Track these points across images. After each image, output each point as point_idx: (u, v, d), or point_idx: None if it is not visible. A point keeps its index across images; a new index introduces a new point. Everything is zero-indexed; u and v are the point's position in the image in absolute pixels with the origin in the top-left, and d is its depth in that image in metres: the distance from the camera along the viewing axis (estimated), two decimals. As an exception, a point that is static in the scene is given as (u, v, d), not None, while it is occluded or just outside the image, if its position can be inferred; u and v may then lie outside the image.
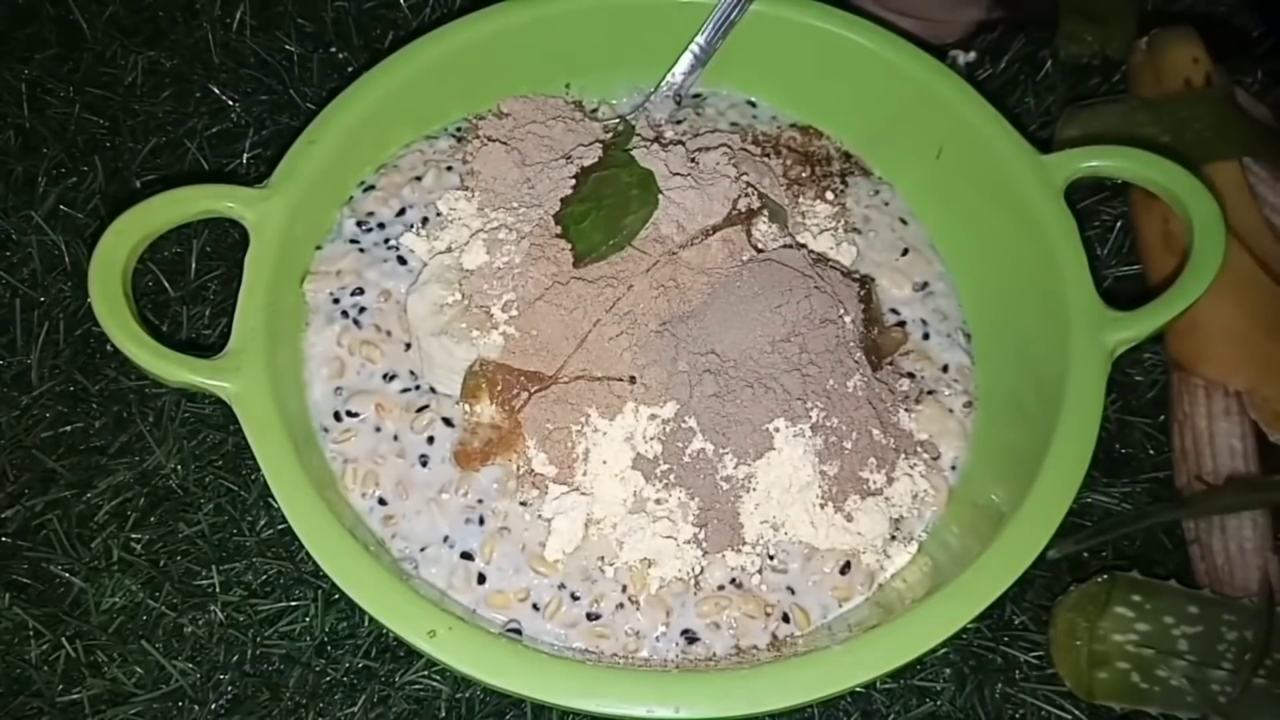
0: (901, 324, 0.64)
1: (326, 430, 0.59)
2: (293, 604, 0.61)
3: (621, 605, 0.55)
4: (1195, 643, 0.58)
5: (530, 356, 0.58)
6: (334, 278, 0.63)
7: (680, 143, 0.65)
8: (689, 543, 0.55)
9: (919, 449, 0.59)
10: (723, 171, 0.62)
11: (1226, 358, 0.64)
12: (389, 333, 0.62)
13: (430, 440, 0.59)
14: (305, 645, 0.60)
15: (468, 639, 0.49)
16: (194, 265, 0.70)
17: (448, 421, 0.59)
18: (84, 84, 0.77)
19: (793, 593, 0.56)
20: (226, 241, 0.71)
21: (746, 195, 0.61)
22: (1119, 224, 0.73)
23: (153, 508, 0.63)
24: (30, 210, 0.71)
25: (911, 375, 0.62)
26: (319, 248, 0.64)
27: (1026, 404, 0.59)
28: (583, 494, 0.56)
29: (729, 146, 0.65)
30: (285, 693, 0.59)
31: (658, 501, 0.56)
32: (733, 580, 0.56)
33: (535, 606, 0.55)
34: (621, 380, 0.57)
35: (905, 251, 0.67)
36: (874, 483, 0.56)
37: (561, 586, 0.56)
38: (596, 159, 0.63)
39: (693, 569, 0.56)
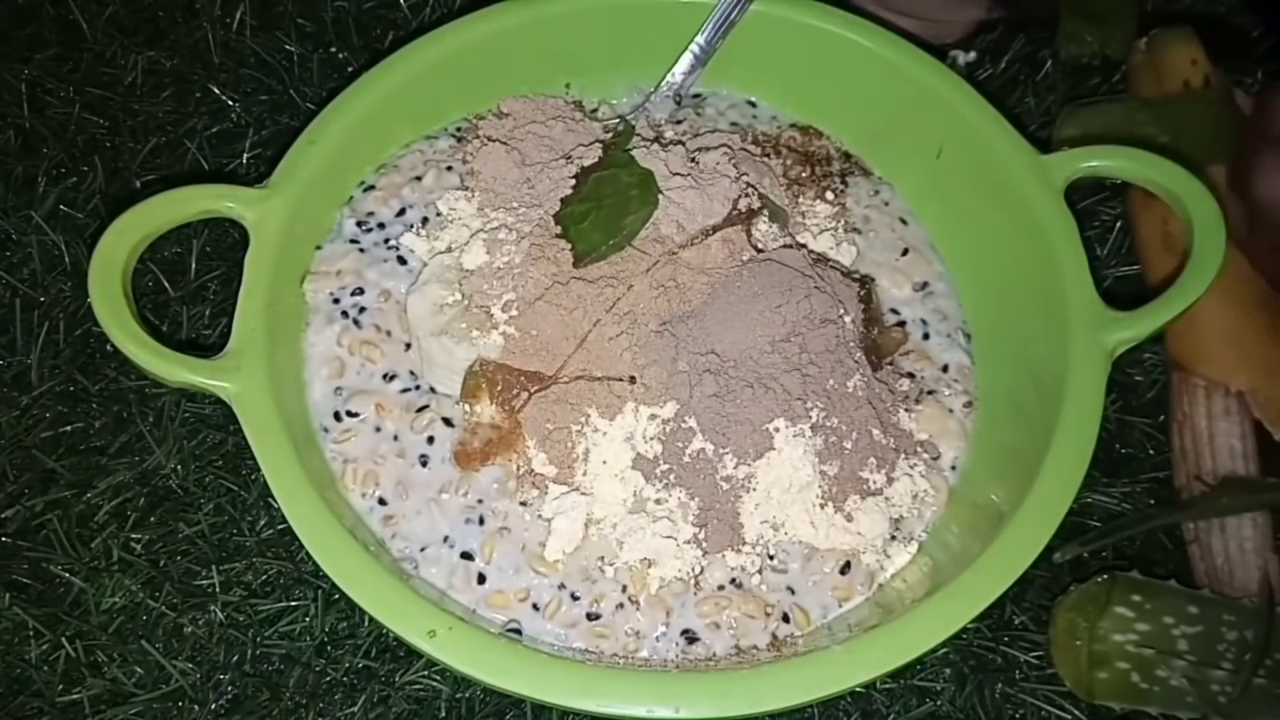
0: (901, 324, 0.64)
1: (326, 430, 0.59)
2: (293, 604, 0.61)
3: (621, 605, 0.55)
4: (1195, 643, 0.58)
5: (530, 356, 0.58)
6: (334, 278, 0.63)
7: (680, 143, 0.65)
8: (689, 543, 0.55)
9: (919, 449, 0.59)
10: (723, 171, 0.62)
11: (1227, 357, 0.64)
12: (389, 333, 0.62)
13: (430, 440, 0.59)
14: (305, 645, 0.60)
15: (468, 639, 0.49)
16: (194, 265, 0.70)
17: (448, 421, 0.59)
18: (84, 84, 0.77)
19: (793, 593, 0.56)
20: (226, 241, 0.71)
21: (746, 195, 0.61)
22: (1119, 224, 0.73)
23: (153, 508, 0.63)
24: (30, 210, 0.71)
25: (911, 375, 0.62)
26: (319, 248, 0.64)
27: (1026, 404, 0.59)
28: (583, 494, 0.56)
29: (729, 146, 0.65)
30: (285, 693, 0.59)
31: (658, 501, 0.56)
32: (733, 580, 0.56)
33: (535, 606, 0.55)
34: (621, 380, 0.57)
35: (905, 251, 0.67)
36: (874, 483, 0.56)
37: (561, 586, 0.56)
38: (596, 159, 0.63)
39: (693, 569, 0.56)
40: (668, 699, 0.48)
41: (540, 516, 0.57)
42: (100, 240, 0.56)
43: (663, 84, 0.70)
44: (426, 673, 0.59)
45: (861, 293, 0.61)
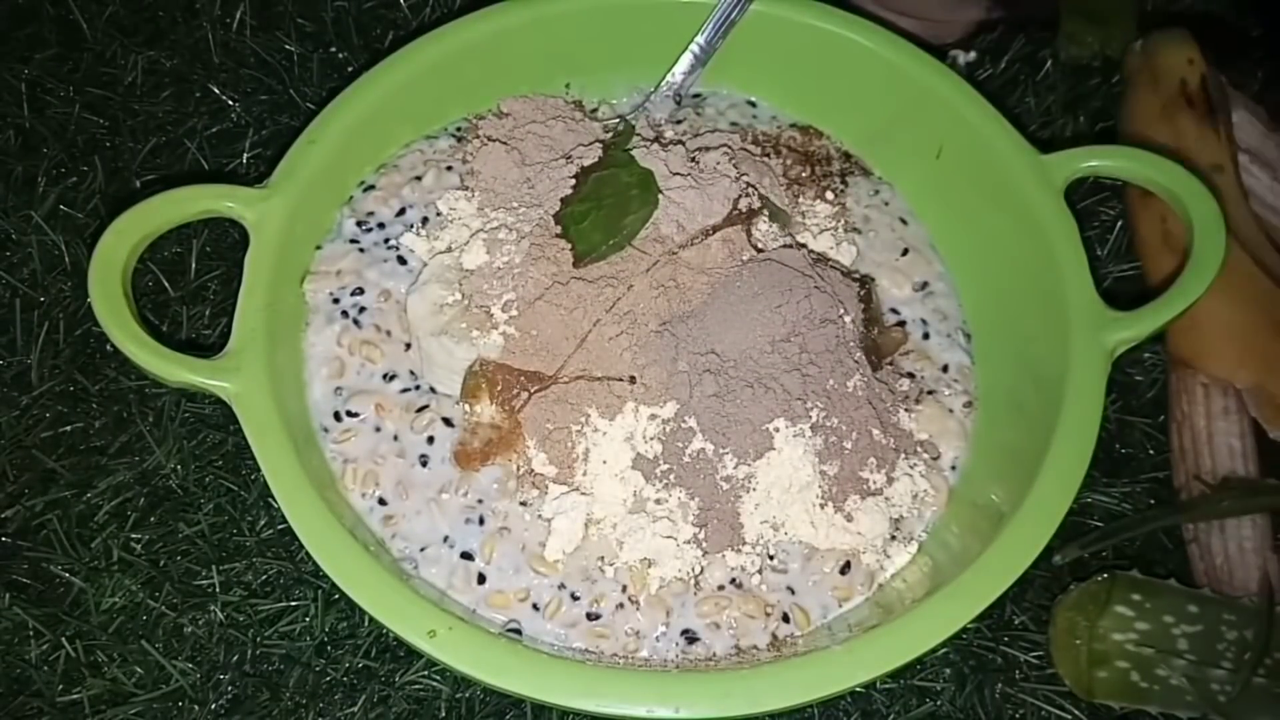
0: (901, 324, 0.64)
1: (326, 430, 0.59)
2: (293, 604, 0.61)
3: (621, 605, 0.55)
4: (1195, 642, 0.58)
5: (530, 356, 0.58)
6: (334, 278, 0.63)
7: (680, 143, 0.65)
8: (689, 543, 0.55)
9: (919, 449, 0.59)
10: (723, 171, 0.62)
11: (1229, 353, 0.64)
12: (389, 333, 0.62)
13: (430, 440, 0.59)
14: (305, 645, 0.60)
15: (468, 639, 0.49)
16: (194, 265, 0.70)
17: (448, 421, 0.59)
18: (84, 84, 0.77)
19: (793, 593, 0.56)
20: (226, 241, 0.71)
21: (746, 195, 0.61)
22: (1119, 224, 0.73)
23: (153, 508, 0.63)
24: (30, 210, 0.71)
25: (911, 375, 0.62)
26: (319, 248, 0.64)
27: (1026, 404, 0.59)
28: (583, 494, 0.56)
29: (729, 146, 0.65)
30: (285, 693, 0.59)
31: (658, 501, 0.56)
32: (733, 580, 0.56)
33: (535, 606, 0.55)
34: (621, 380, 0.57)
35: (905, 251, 0.67)
36: (874, 483, 0.56)
37: (561, 586, 0.56)
38: (596, 159, 0.63)
39: (693, 569, 0.56)
40: (668, 699, 0.48)
41: (540, 516, 0.57)
42: (100, 240, 0.56)
43: (663, 84, 0.70)
44: (426, 673, 0.59)
45: (861, 293, 0.61)
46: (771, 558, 0.57)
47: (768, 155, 0.67)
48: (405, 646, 0.56)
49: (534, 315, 0.58)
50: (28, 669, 0.59)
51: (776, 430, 0.55)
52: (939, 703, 0.59)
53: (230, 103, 0.77)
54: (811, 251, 0.62)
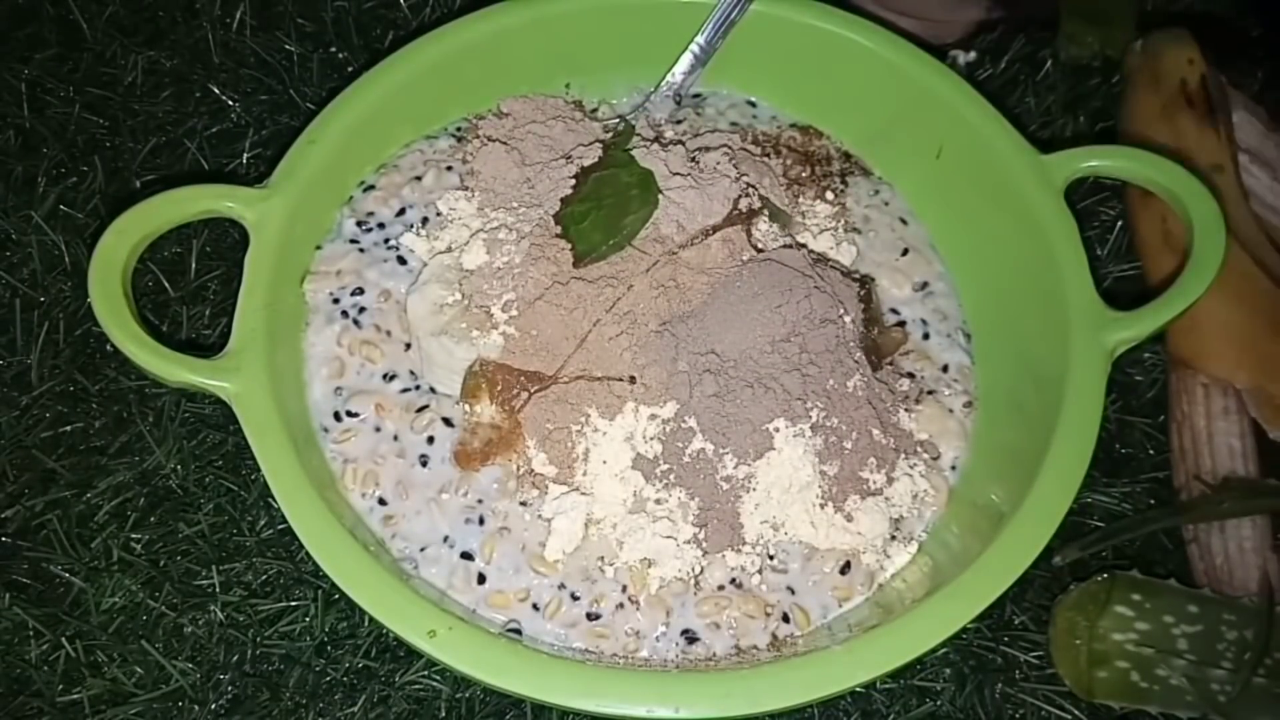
0: (901, 324, 0.64)
1: (326, 430, 0.59)
2: (293, 604, 0.61)
3: (621, 605, 0.55)
4: (1195, 642, 0.58)
5: (530, 356, 0.58)
6: (334, 278, 0.63)
7: (680, 143, 0.65)
8: (689, 543, 0.55)
9: (919, 449, 0.59)
10: (723, 171, 0.62)
11: (1229, 355, 0.64)
12: (389, 333, 0.62)
13: (430, 440, 0.59)
14: (305, 645, 0.60)
15: (468, 639, 0.49)
16: (194, 265, 0.70)
17: (448, 421, 0.59)
18: (84, 84, 0.77)
19: (793, 593, 0.56)
20: (226, 241, 0.71)
21: (747, 195, 0.61)
22: (1119, 224, 0.73)
23: (153, 508, 0.63)
24: (30, 210, 0.71)
25: (911, 375, 0.62)
26: (319, 248, 0.64)
27: (1026, 404, 0.59)
28: (583, 494, 0.56)
29: (729, 146, 0.65)
30: (285, 693, 0.59)
31: (658, 501, 0.56)
32: (733, 580, 0.56)
33: (535, 606, 0.55)
34: (621, 380, 0.57)
35: (905, 251, 0.67)
36: (874, 483, 0.56)
37: (561, 586, 0.56)
38: (596, 159, 0.63)
39: (693, 569, 0.56)
40: (668, 699, 0.48)
41: (540, 516, 0.57)
42: (100, 240, 0.56)
43: (663, 84, 0.70)
44: (426, 673, 0.59)
45: (861, 293, 0.61)
46: (771, 558, 0.57)
47: (768, 155, 0.67)
48: (405, 646, 0.56)
49: (534, 315, 0.58)
50: (28, 669, 0.59)
51: (776, 430, 0.55)
52: (939, 703, 0.59)
53: (230, 103, 0.77)
54: (811, 251, 0.62)
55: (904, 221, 0.68)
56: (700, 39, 0.69)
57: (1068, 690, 0.59)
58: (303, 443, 0.55)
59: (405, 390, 0.60)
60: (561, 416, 0.56)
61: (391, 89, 0.65)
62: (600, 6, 0.68)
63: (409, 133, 0.68)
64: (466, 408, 0.58)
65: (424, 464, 0.58)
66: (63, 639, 0.59)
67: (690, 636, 0.55)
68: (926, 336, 0.64)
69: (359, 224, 0.65)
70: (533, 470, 0.57)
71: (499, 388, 0.57)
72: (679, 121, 0.70)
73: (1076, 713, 0.59)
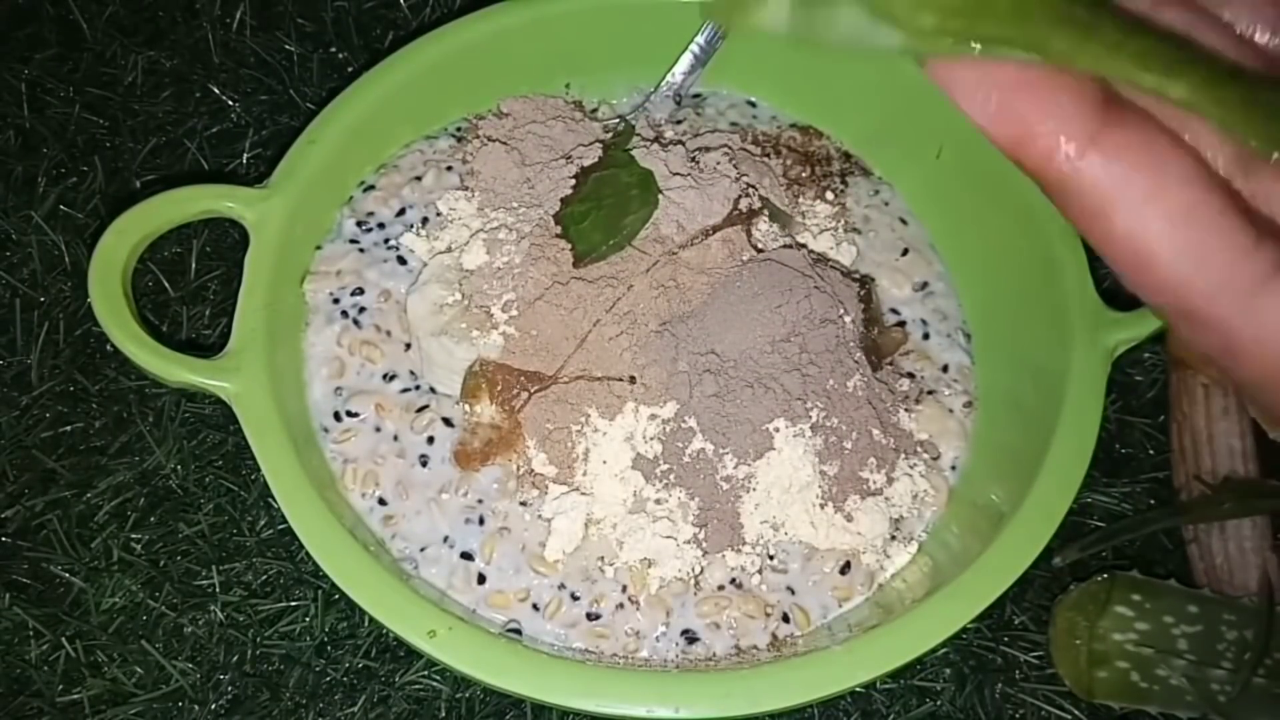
0: (901, 324, 0.64)
1: (326, 430, 0.59)
2: (293, 604, 0.61)
3: (621, 605, 0.55)
4: (1195, 642, 0.58)
5: (530, 356, 0.58)
6: (334, 278, 0.63)
7: (680, 143, 0.65)
8: (689, 543, 0.55)
9: (919, 449, 0.59)
10: (723, 172, 0.62)
11: (1228, 356, 0.64)
12: (389, 333, 0.62)
13: (430, 440, 0.59)
14: (305, 645, 0.60)
15: (468, 639, 0.49)
16: (194, 265, 0.70)
17: (448, 421, 0.59)
18: (84, 84, 0.77)
19: (793, 593, 0.56)
20: (226, 241, 0.71)
21: (747, 195, 0.61)
22: (1119, 224, 0.73)
23: (153, 508, 0.63)
24: (30, 210, 0.71)
25: (911, 375, 0.62)
26: (319, 248, 0.64)
27: (1026, 404, 0.59)
28: (583, 494, 0.56)
29: (729, 146, 0.65)
30: (285, 693, 0.59)
31: (658, 501, 0.56)
32: (733, 580, 0.56)
33: (535, 606, 0.55)
34: (621, 380, 0.57)
35: (905, 251, 0.67)
36: (874, 483, 0.56)
37: (561, 586, 0.56)
38: (596, 159, 0.63)
39: (693, 569, 0.56)
40: (668, 699, 0.48)
41: (540, 516, 0.57)
42: (100, 240, 0.56)
43: (663, 84, 0.70)
44: (426, 673, 0.59)
45: (861, 293, 0.61)
46: (771, 558, 0.57)
47: (768, 155, 0.67)
48: (405, 646, 0.56)
49: (534, 315, 0.58)
50: (28, 669, 0.59)
51: (776, 430, 0.55)
52: (939, 703, 0.59)
53: (230, 103, 0.77)
54: (811, 251, 0.62)
55: (904, 221, 0.68)
56: (700, 39, 0.69)
57: (1068, 690, 0.59)
58: (303, 443, 0.55)
59: (405, 390, 0.60)
60: (561, 416, 0.56)
61: (391, 89, 0.65)
62: (600, 6, 0.68)
63: (409, 133, 0.68)
64: (466, 408, 0.58)
65: (424, 464, 0.58)
66: (63, 639, 0.59)
67: (690, 636, 0.55)
68: (926, 336, 0.64)
69: (359, 224, 0.65)
70: (533, 470, 0.57)
71: (499, 388, 0.57)
72: (679, 121, 0.70)
73: (1076, 713, 0.59)
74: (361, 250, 0.64)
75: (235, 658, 0.60)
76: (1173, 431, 0.66)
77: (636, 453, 0.56)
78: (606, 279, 0.59)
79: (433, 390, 0.60)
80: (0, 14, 0.80)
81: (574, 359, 0.57)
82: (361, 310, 0.62)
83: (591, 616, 0.55)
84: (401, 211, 0.65)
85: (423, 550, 0.57)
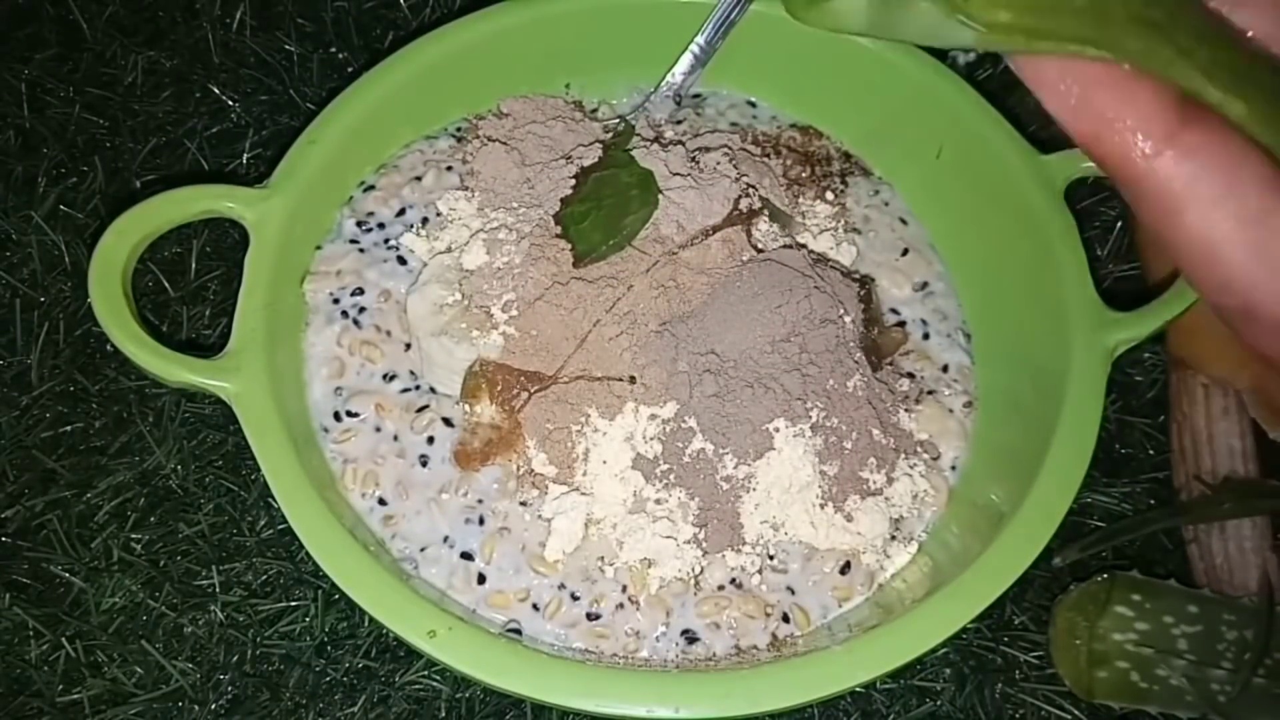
0: (901, 324, 0.64)
1: (326, 430, 0.59)
2: (293, 604, 0.61)
3: (621, 605, 0.55)
4: (1195, 642, 0.58)
5: (530, 356, 0.58)
6: (334, 278, 0.63)
7: (680, 143, 0.65)
8: (689, 543, 0.55)
9: (919, 449, 0.59)
10: (723, 172, 0.62)
11: (1229, 355, 0.64)
12: (389, 333, 0.62)
13: (430, 440, 0.59)
14: (305, 645, 0.60)
15: (468, 639, 0.49)
16: (194, 265, 0.70)
17: (448, 421, 0.59)
18: (84, 84, 0.77)
19: (793, 593, 0.56)
20: (226, 241, 0.71)
21: (747, 195, 0.61)
22: (1119, 224, 0.73)
23: (153, 508, 0.63)
24: (30, 210, 0.71)
25: (911, 375, 0.62)
26: (319, 248, 0.64)
27: (1026, 404, 0.59)
28: (583, 494, 0.56)
29: (729, 147, 0.65)
30: (285, 693, 0.59)
31: (658, 501, 0.56)
32: (733, 580, 0.56)
33: (535, 606, 0.55)
34: (621, 380, 0.57)
35: (905, 251, 0.67)
36: (874, 483, 0.56)
37: (561, 586, 0.56)
38: (596, 159, 0.63)
39: (693, 569, 0.56)
40: (668, 699, 0.48)
41: (540, 516, 0.57)
42: (100, 240, 0.56)
43: (663, 84, 0.70)
44: (426, 673, 0.59)
45: (861, 293, 0.61)
46: (771, 558, 0.57)
47: (768, 155, 0.67)
48: (405, 646, 0.56)
49: (534, 315, 0.58)
50: (28, 669, 0.59)
51: (776, 430, 0.55)
52: (939, 703, 0.59)
53: (230, 103, 0.77)
54: (811, 251, 0.62)
55: (904, 221, 0.68)
56: (700, 39, 0.69)
57: (1068, 690, 0.59)
58: (303, 443, 0.55)
59: (405, 390, 0.60)
60: (561, 416, 0.56)
61: (391, 89, 0.64)
62: (600, 6, 0.68)
63: (409, 133, 0.68)
64: (466, 408, 0.58)
65: (424, 464, 0.58)
66: (63, 639, 0.59)
67: (690, 636, 0.55)
68: (926, 336, 0.64)
69: (359, 224, 0.65)
70: (533, 470, 0.57)
71: (499, 388, 0.57)
72: (679, 121, 0.70)
73: (1076, 713, 0.59)
74: (361, 250, 0.64)
75: (235, 658, 0.60)
76: (1173, 431, 0.66)
77: (636, 453, 0.56)
78: (606, 279, 0.59)
79: (433, 390, 0.60)
80: (0, 14, 0.80)
81: (574, 359, 0.57)
82: (361, 310, 0.62)
83: (591, 616, 0.55)
84: (401, 211, 0.65)
85: (423, 550, 0.57)
